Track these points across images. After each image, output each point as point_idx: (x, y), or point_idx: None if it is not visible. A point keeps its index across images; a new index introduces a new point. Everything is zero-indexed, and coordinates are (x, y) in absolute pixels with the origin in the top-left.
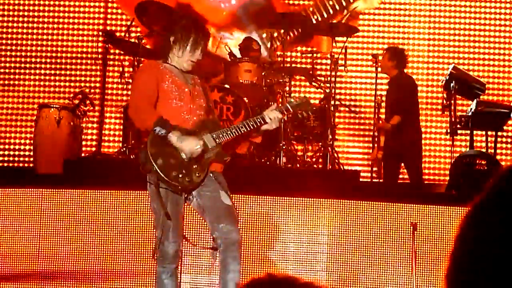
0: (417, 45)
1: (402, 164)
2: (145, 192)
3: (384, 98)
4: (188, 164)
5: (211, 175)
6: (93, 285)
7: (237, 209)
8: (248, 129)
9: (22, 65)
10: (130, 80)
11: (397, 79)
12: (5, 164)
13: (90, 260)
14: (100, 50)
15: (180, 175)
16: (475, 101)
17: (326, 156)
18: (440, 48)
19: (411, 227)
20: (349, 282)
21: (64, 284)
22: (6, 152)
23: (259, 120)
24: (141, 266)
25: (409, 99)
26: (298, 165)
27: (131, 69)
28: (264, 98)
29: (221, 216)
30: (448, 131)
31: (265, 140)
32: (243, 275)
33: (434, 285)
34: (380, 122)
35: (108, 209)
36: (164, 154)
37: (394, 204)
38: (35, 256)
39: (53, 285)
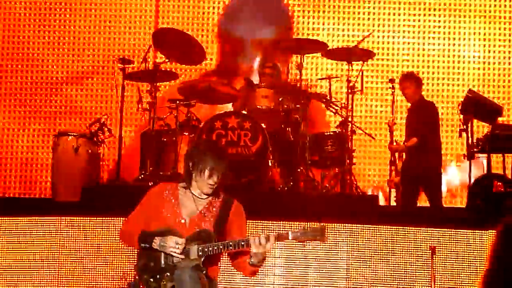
0: (433, 68)
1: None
2: None
3: (395, 120)
4: (163, 270)
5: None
6: None
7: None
8: (233, 248)
9: (38, 91)
10: (148, 107)
11: (419, 104)
12: (24, 193)
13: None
14: (116, 77)
15: (151, 279)
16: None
17: (344, 181)
18: (456, 71)
19: (430, 251)
20: None
21: None
22: (24, 180)
23: (243, 243)
24: None
25: (431, 123)
26: (316, 190)
27: (148, 96)
28: (282, 124)
29: None
30: (466, 154)
31: (283, 166)
32: None
33: None
34: (395, 144)
35: None
36: (146, 259)
37: (412, 228)
38: (55, 283)
39: None
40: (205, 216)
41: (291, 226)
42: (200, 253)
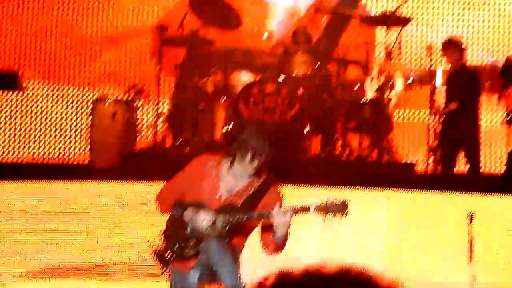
0: (473, 33)
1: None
2: None
3: (437, 86)
4: (187, 237)
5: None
6: (152, 278)
7: (291, 200)
8: (256, 219)
9: (78, 58)
10: (185, 73)
11: (461, 70)
12: (62, 159)
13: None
14: (153, 42)
15: (176, 246)
16: None
17: (381, 147)
18: (497, 36)
19: (468, 217)
20: (406, 272)
21: (122, 277)
22: (63, 146)
23: (266, 214)
24: None
25: (472, 89)
26: (353, 157)
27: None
28: (318, 90)
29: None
30: (506, 119)
31: (320, 132)
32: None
33: (491, 274)
34: (435, 108)
35: None
36: (174, 227)
37: (451, 193)
38: (93, 248)
39: (108, 277)
40: (241, 195)
41: (329, 192)
42: (225, 224)
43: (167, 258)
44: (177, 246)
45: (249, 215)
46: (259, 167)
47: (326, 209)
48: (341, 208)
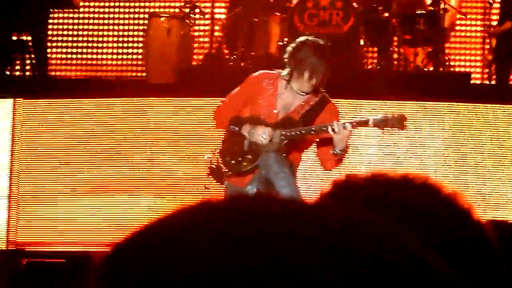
0: None
1: None
2: None
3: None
4: (244, 152)
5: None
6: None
7: (347, 114)
8: (314, 133)
9: None
10: None
11: None
12: (119, 75)
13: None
14: None
15: (233, 161)
16: None
17: (437, 59)
18: None
19: None
20: (463, 183)
21: (175, 193)
22: (119, 62)
23: (325, 128)
24: None
25: None
26: (409, 69)
27: None
28: (373, 3)
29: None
30: None
31: (375, 45)
32: None
33: None
34: (491, 28)
35: None
36: (230, 143)
37: (507, 105)
38: (149, 162)
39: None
40: (298, 112)
41: (383, 105)
42: (283, 137)
43: (224, 173)
44: (234, 161)
45: (307, 128)
46: (317, 85)
47: (385, 122)
48: (399, 121)
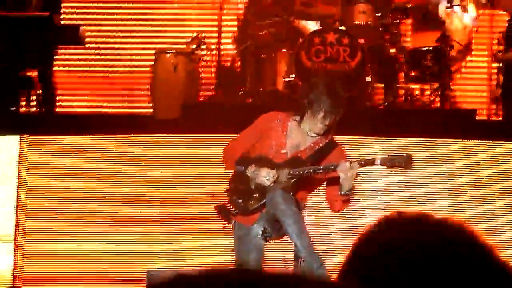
0: None
1: None
2: None
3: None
4: (251, 191)
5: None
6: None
7: (351, 151)
8: (321, 172)
9: (137, 10)
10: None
11: None
12: (124, 111)
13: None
14: None
15: (239, 200)
16: None
17: (444, 96)
18: None
19: None
20: (470, 219)
21: (182, 228)
22: (126, 98)
23: (332, 167)
24: None
25: None
26: (415, 106)
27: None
28: (380, 39)
29: None
30: None
31: (382, 81)
32: None
33: None
34: (499, 54)
35: None
36: (237, 182)
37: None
38: (153, 198)
39: (169, 228)
40: (307, 153)
41: (391, 142)
42: (290, 176)
43: (231, 212)
44: (241, 200)
45: (315, 168)
46: (329, 127)
47: (391, 161)
48: (406, 160)
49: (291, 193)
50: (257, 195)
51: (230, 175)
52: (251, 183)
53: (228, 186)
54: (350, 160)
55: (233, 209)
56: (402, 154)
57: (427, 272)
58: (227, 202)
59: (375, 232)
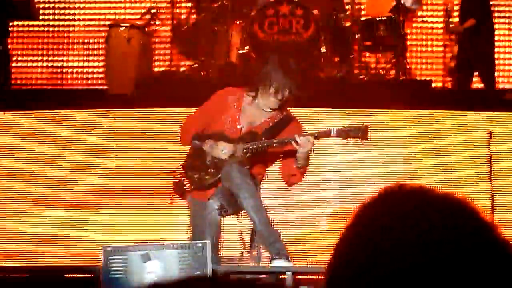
0: None
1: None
2: None
3: (455, 8)
4: (207, 166)
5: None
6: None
7: (310, 122)
8: (276, 145)
9: None
10: None
11: None
12: (78, 86)
13: (166, 174)
14: None
15: (195, 175)
16: None
17: (398, 66)
18: None
19: (487, 134)
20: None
21: (138, 203)
22: (79, 75)
23: (288, 140)
24: None
25: (486, 6)
26: (369, 76)
27: None
28: (333, 10)
29: None
30: None
31: (336, 52)
32: None
33: (511, 191)
34: (452, 25)
35: None
36: (193, 158)
37: (469, 112)
38: (110, 174)
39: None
40: (262, 129)
41: (345, 114)
42: (245, 151)
43: (186, 188)
44: (197, 175)
45: (270, 141)
46: (283, 101)
47: (347, 132)
48: (362, 131)
49: (247, 167)
50: (213, 170)
51: (187, 151)
52: (207, 158)
53: (184, 162)
54: (305, 133)
55: (189, 184)
56: (359, 126)
57: (431, 248)
58: (183, 178)
59: (375, 206)
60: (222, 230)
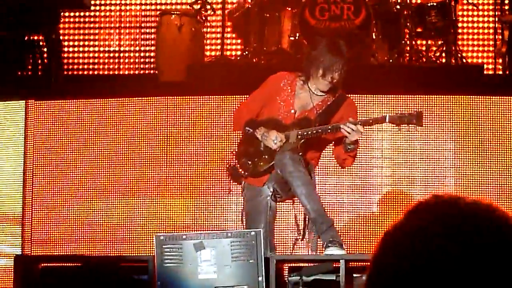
0: None
1: None
2: None
3: None
4: (260, 153)
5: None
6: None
7: (368, 110)
8: (332, 131)
9: None
10: None
11: None
12: (128, 72)
13: (218, 163)
14: None
15: (249, 162)
16: None
17: (449, 52)
18: None
19: None
20: (473, 176)
21: (189, 191)
22: (131, 60)
23: (341, 126)
24: None
25: None
26: (421, 62)
27: None
28: None
29: None
30: None
31: (387, 38)
32: None
33: None
34: (505, 16)
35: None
36: (246, 144)
37: None
38: (163, 161)
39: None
40: (316, 112)
41: (396, 100)
42: (299, 137)
43: (241, 174)
44: (250, 161)
45: (324, 127)
46: (333, 83)
47: (401, 119)
48: (417, 117)
49: (300, 154)
50: (266, 156)
51: (240, 138)
52: (261, 144)
53: (237, 149)
54: (359, 119)
55: (243, 171)
56: (412, 112)
57: (460, 259)
58: (237, 164)
59: (414, 214)
60: (277, 216)
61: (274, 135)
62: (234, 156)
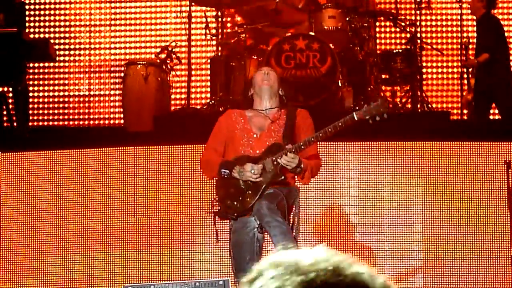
0: None
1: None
2: None
3: (471, 40)
4: (243, 190)
5: (271, 191)
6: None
7: (332, 156)
8: (304, 146)
9: (107, 22)
10: (214, 31)
11: (485, 20)
12: (95, 123)
13: (187, 214)
14: (184, 3)
15: (234, 202)
16: None
17: (415, 98)
18: None
19: (505, 165)
20: (442, 221)
21: (157, 241)
22: (96, 111)
23: (312, 139)
24: None
25: (497, 38)
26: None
27: (215, 21)
28: (350, 43)
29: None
30: None
31: (353, 85)
32: None
33: None
34: (468, 60)
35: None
36: (226, 187)
37: (487, 143)
38: (130, 211)
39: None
40: (274, 128)
41: (362, 145)
42: (275, 163)
43: (231, 217)
44: (236, 202)
45: (296, 147)
46: (269, 78)
47: (370, 111)
48: (382, 105)
49: (283, 178)
50: (250, 192)
51: (215, 183)
52: (241, 182)
53: (216, 194)
54: (324, 129)
55: (231, 213)
56: (376, 102)
57: None
58: (223, 208)
59: None
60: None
61: (249, 166)
62: (215, 202)
